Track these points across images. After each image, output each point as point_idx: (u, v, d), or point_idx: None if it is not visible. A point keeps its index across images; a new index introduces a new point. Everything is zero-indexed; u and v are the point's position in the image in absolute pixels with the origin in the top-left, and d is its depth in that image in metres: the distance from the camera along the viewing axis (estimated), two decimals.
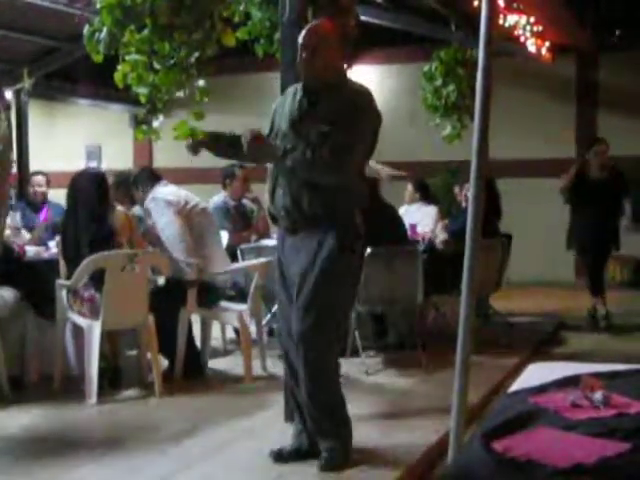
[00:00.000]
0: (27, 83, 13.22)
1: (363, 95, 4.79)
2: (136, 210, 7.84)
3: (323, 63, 4.68)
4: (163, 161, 14.70)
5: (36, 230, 8.12)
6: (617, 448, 2.02)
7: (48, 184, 9.26)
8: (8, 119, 1.88)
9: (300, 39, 4.70)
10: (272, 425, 5.66)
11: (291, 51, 5.30)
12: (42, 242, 7.77)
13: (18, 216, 8.18)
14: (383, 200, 8.05)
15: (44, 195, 9.17)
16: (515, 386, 2.74)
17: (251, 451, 5.10)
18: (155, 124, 6.56)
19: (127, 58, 5.97)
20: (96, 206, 6.71)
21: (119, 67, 6.03)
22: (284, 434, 4.89)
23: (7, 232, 6.95)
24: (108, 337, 6.69)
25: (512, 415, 2.36)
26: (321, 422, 4.76)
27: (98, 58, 6.11)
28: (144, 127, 6.57)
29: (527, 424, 2.28)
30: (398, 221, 8.23)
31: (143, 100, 6.12)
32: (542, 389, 2.62)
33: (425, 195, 10.01)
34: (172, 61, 5.90)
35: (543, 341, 8.82)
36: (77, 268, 6.47)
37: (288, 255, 4.80)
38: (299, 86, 4.82)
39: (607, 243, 10.20)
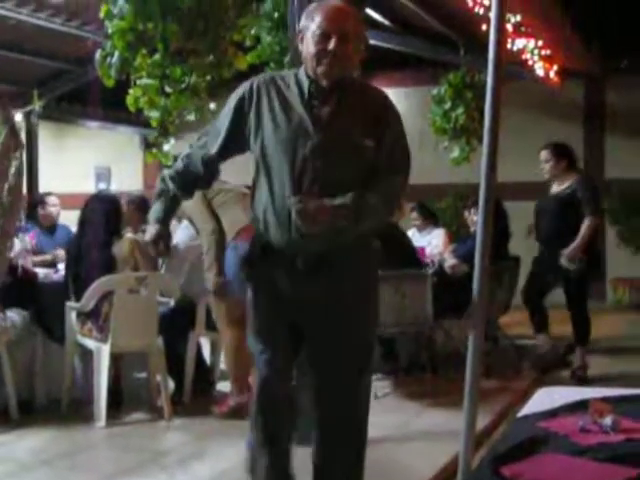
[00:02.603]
0: (37, 105, 13.30)
1: (384, 94, 4.08)
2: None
3: (354, 55, 3.77)
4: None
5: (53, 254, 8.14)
6: (627, 473, 2.02)
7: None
8: (21, 156, 1.91)
9: (324, 23, 3.66)
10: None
11: None
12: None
13: (27, 238, 8.18)
14: (392, 222, 8.08)
15: (57, 215, 9.14)
16: (524, 411, 2.74)
17: None
18: (166, 147, 6.59)
19: (139, 82, 6.00)
20: (103, 232, 6.73)
21: (131, 91, 6.07)
22: (293, 457, 4.89)
23: (16, 249, 6.99)
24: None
25: (521, 440, 2.36)
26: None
27: (110, 82, 6.14)
28: (154, 150, 6.60)
29: (536, 449, 2.28)
30: (408, 243, 8.25)
31: (154, 124, 6.15)
32: (551, 414, 2.62)
33: (431, 218, 10.00)
34: (183, 85, 5.92)
35: (552, 364, 8.78)
36: (82, 291, 6.50)
37: (303, 295, 3.80)
38: (303, 82, 3.76)
39: None
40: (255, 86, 3.79)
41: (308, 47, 3.70)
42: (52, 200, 9.08)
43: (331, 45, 3.63)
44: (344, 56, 3.68)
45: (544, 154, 8.17)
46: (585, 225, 7.84)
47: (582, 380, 7.83)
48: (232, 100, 3.85)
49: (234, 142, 3.85)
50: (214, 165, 4.00)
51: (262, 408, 3.97)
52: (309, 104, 3.72)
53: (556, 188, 8.20)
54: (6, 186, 1.66)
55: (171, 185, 3.95)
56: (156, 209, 3.96)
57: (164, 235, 3.90)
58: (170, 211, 4.01)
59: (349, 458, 4.02)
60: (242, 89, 3.83)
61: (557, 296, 8.82)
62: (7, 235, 1.72)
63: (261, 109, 3.74)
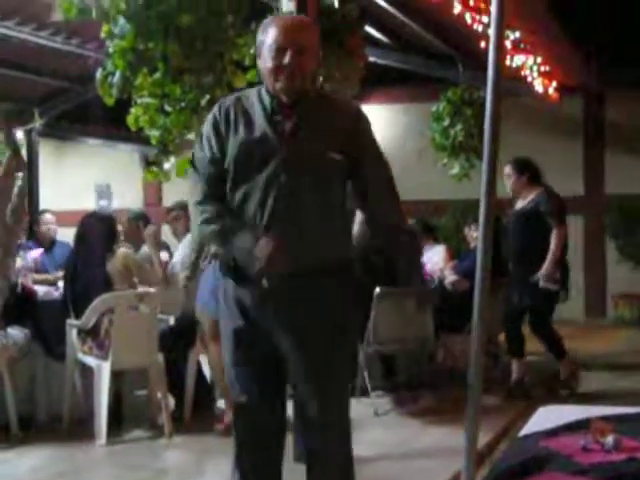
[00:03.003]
0: (38, 123, 13.32)
1: (354, 105, 4.00)
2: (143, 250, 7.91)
3: (312, 68, 3.66)
4: (172, 200, 14.74)
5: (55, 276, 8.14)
6: None
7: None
8: (24, 177, 1.92)
9: (279, 37, 3.57)
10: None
11: None
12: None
13: (29, 256, 8.18)
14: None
15: (54, 234, 9.13)
16: (526, 429, 2.73)
17: None
18: (166, 166, 6.59)
19: (139, 101, 6.01)
20: (98, 250, 6.75)
21: (132, 110, 6.08)
22: (293, 473, 4.85)
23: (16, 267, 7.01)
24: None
25: (523, 459, 2.35)
26: None
27: (110, 101, 6.15)
28: (154, 169, 6.59)
29: (538, 468, 2.27)
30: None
31: (155, 142, 6.15)
32: (553, 433, 2.61)
33: (431, 235, 10.00)
34: (183, 104, 5.93)
35: (552, 381, 8.77)
36: (81, 309, 6.51)
37: (275, 314, 3.63)
38: (265, 98, 3.66)
39: None
40: (224, 108, 3.70)
41: (265, 62, 3.60)
42: (46, 218, 9.08)
43: (287, 59, 3.53)
44: (302, 70, 3.57)
45: (506, 170, 8.03)
46: (553, 238, 7.74)
47: (571, 390, 7.91)
48: (209, 125, 3.72)
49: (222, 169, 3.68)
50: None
51: (241, 447, 3.86)
52: (272, 120, 3.62)
53: (520, 204, 8.10)
54: (9, 206, 1.66)
55: (228, 220, 3.65)
56: (244, 235, 3.57)
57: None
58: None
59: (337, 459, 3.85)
60: (213, 113, 3.74)
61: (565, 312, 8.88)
62: (9, 254, 1.73)
63: (230, 129, 3.65)
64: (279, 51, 3.54)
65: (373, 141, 3.80)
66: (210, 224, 3.62)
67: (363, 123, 3.78)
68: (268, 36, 3.59)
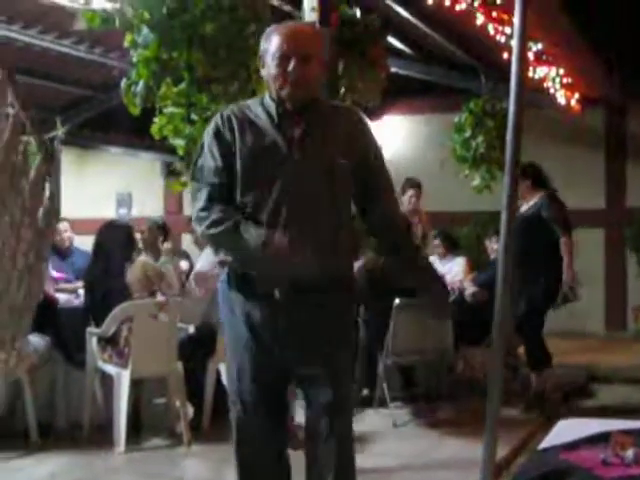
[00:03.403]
0: (60, 132, 13.37)
1: (357, 112, 3.92)
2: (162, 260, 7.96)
3: (317, 75, 3.66)
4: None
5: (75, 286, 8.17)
6: None
7: (72, 229, 9.23)
8: (56, 181, 1.95)
9: (283, 45, 3.56)
10: (298, 472, 5.63)
11: None
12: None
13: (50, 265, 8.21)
14: (419, 247, 8.13)
15: (70, 241, 9.12)
16: (545, 442, 2.71)
17: None
18: None
19: (164, 111, 6.02)
20: (116, 260, 6.78)
21: (155, 120, 6.08)
22: None
23: None
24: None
25: (543, 472, 2.35)
26: None
27: (134, 110, 6.16)
28: (182, 179, 6.58)
29: None
30: (434, 272, 8.22)
31: (180, 152, 6.15)
32: (573, 446, 2.60)
33: (452, 247, 9.98)
34: (209, 113, 5.93)
35: (573, 394, 8.74)
36: (101, 317, 6.53)
37: (285, 327, 3.60)
38: (270, 107, 3.65)
39: None
40: (225, 117, 3.66)
41: (269, 70, 3.59)
42: (63, 226, 9.11)
43: (291, 67, 3.52)
44: (306, 78, 3.56)
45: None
46: (562, 248, 7.66)
47: (539, 406, 7.61)
48: (208, 140, 3.67)
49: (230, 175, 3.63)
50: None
51: (243, 474, 3.86)
52: (280, 127, 3.60)
53: (523, 208, 8.02)
54: (41, 210, 1.69)
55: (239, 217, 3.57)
56: (253, 231, 3.51)
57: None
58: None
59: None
60: (215, 122, 3.69)
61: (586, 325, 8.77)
62: (42, 259, 1.75)
63: (235, 138, 3.60)
64: (283, 59, 3.54)
65: (375, 145, 3.80)
66: (219, 225, 3.56)
67: (366, 129, 3.79)
68: (271, 44, 3.59)
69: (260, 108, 3.66)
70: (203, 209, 3.61)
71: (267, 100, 3.66)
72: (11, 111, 1.86)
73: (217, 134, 3.64)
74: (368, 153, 3.72)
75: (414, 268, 3.89)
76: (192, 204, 3.73)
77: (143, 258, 7.07)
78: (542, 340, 7.92)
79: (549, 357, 7.94)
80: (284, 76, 3.53)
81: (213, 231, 3.59)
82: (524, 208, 8.02)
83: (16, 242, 1.84)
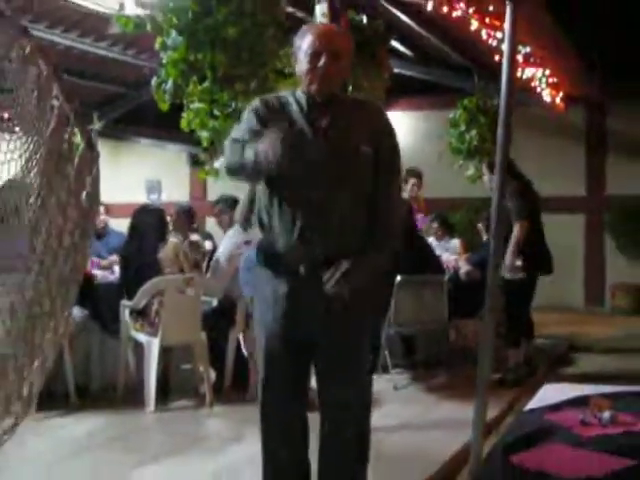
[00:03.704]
0: (97, 125, 13.39)
1: (378, 106, 3.91)
2: (194, 237, 7.96)
3: (344, 72, 3.65)
4: (215, 194, 14.82)
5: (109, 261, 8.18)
6: (624, 463, 2.00)
7: (107, 213, 9.23)
8: (97, 166, 1.95)
9: (315, 42, 3.53)
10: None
11: None
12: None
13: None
14: (417, 232, 8.15)
15: (104, 223, 9.12)
16: (531, 404, 2.73)
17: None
18: (216, 164, 6.59)
19: (191, 106, 6.02)
20: (149, 240, 6.80)
21: (184, 114, 6.09)
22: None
23: None
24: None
25: (528, 431, 2.35)
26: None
27: (164, 106, 6.16)
28: (206, 167, 6.59)
29: (542, 440, 2.26)
30: (430, 251, 8.23)
31: (205, 143, 6.15)
32: (555, 408, 2.61)
33: (448, 230, 9.97)
34: (230, 109, 5.92)
35: (556, 362, 8.75)
36: (134, 292, 6.55)
37: (303, 300, 3.56)
38: (301, 98, 3.62)
39: None
40: (264, 101, 3.65)
41: (301, 66, 3.56)
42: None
43: (321, 63, 3.49)
44: (334, 73, 3.53)
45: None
46: (513, 232, 7.35)
47: (516, 381, 7.32)
48: (250, 112, 3.65)
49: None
50: None
51: (267, 432, 3.76)
52: (309, 117, 3.55)
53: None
54: (85, 192, 1.71)
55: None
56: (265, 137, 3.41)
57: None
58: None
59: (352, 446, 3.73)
60: (255, 104, 3.67)
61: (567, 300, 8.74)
62: (87, 236, 1.76)
63: (270, 116, 3.57)
64: (314, 55, 3.50)
65: (394, 138, 3.73)
66: (230, 154, 3.56)
67: (386, 121, 3.74)
68: (305, 42, 3.56)
69: (292, 99, 3.62)
70: (232, 140, 3.61)
71: (299, 92, 3.63)
72: (56, 103, 1.85)
73: (255, 111, 3.62)
74: (384, 143, 3.65)
75: (372, 268, 3.74)
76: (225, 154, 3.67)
77: (174, 240, 7.08)
78: (523, 319, 7.75)
79: (525, 331, 7.84)
80: (314, 72, 3.50)
81: (228, 160, 3.59)
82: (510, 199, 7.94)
83: (63, 221, 1.83)
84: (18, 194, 1.96)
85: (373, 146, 3.59)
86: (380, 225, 3.63)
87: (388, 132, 3.71)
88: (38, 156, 1.95)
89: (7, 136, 1.97)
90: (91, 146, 2.00)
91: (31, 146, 1.95)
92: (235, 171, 3.58)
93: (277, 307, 3.59)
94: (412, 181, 9.27)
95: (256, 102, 3.70)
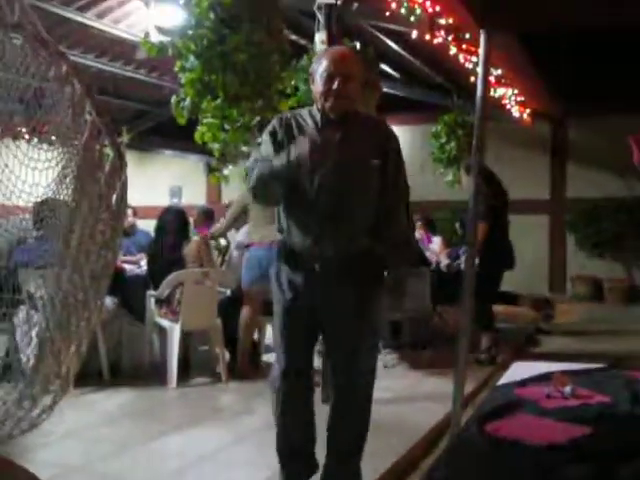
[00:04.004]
0: (125, 138, 13.36)
1: (386, 124, 3.88)
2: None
3: (355, 92, 3.58)
4: (228, 198, 14.82)
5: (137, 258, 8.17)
6: (582, 431, 2.01)
7: (135, 214, 9.20)
8: (125, 173, 1.96)
9: (330, 66, 3.50)
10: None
11: None
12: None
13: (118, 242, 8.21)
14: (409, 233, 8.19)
15: (133, 223, 9.09)
16: (502, 380, 2.73)
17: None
18: (226, 172, 6.60)
19: (204, 121, 6.02)
20: (174, 238, 6.79)
21: (198, 128, 6.08)
22: (323, 411, 4.85)
23: None
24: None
25: (500, 404, 2.36)
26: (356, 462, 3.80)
27: (182, 121, 6.15)
28: (217, 174, 6.60)
29: (512, 411, 2.27)
30: (418, 248, 8.25)
31: (216, 154, 6.15)
32: (523, 383, 2.61)
33: (431, 228, 9.97)
34: (239, 124, 5.92)
35: (524, 343, 8.75)
36: (159, 283, 6.55)
37: (319, 293, 3.57)
38: (316, 115, 3.61)
39: None
40: (283, 120, 3.61)
41: (317, 87, 3.53)
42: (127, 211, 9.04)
43: (335, 85, 3.46)
44: (347, 94, 3.49)
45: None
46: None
47: (491, 361, 7.32)
48: (267, 134, 3.63)
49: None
50: None
51: (282, 398, 3.74)
52: (323, 132, 3.54)
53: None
54: (114, 196, 1.72)
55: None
56: (281, 155, 3.48)
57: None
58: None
59: (357, 416, 3.75)
60: (272, 124, 3.64)
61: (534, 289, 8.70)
62: (116, 235, 1.76)
63: (286, 138, 3.55)
64: (329, 78, 3.47)
65: (399, 152, 3.72)
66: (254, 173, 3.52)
67: (392, 136, 3.73)
68: (321, 65, 3.52)
69: (308, 116, 3.61)
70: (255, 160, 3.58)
71: (314, 110, 3.61)
72: (89, 118, 1.85)
73: (273, 133, 3.60)
74: (390, 156, 3.63)
75: (402, 253, 3.74)
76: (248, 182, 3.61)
77: (197, 238, 7.08)
78: (491, 307, 7.71)
79: (491, 324, 7.82)
80: (329, 92, 3.48)
81: (254, 181, 3.51)
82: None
83: (94, 222, 1.84)
84: (59, 203, 1.97)
85: (381, 159, 3.56)
86: (396, 229, 3.62)
87: (394, 147, 3.69)
88: (73, 164, 1.95)
89: (45, 147, 1.97)
90: (120, 156, 2.00)
91: (67, 155, 1.95)
92: (258, 186, 3.52)
93: (293, 298, 3.58)
94: None
95: (274, 122, 3.66)
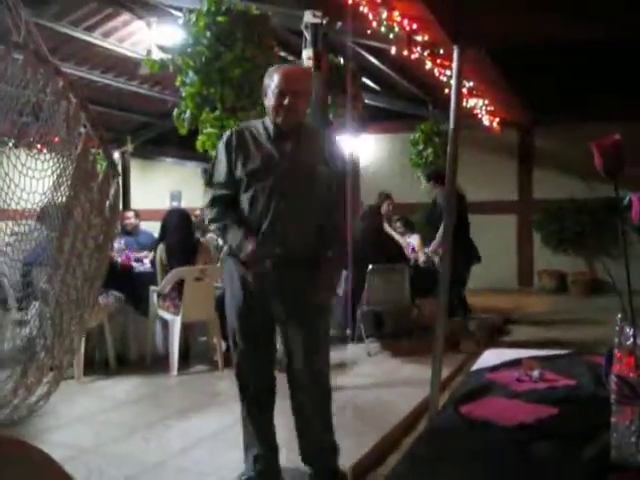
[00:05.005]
0: (130, 147, 13.33)
1: (330, 133, 3.87)
2: (208, 236, 7.96)
3: (304, 107, 3.58)
4: None
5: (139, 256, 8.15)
6: (549, 411, 2.01)
7: (137, 217, 9.16)
8: (117, 182, 1.94)
9: (281, 83, 3.47)
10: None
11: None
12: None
13: (123, 241, 8.19)
14: (385, 230, 8.23)
15: (134, 225, 9.05)
16: (476, 366, 2.72)
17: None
18: None
19: (205, 131, 6.00)
20: (176, 236, 6.75)
21: (199, 137, 6.08)
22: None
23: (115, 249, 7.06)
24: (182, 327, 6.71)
25: (474, 387, 2.36)
26: (329, 437, 3.80)
27: (183, 131, 6.15)
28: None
29: (484, 394, 2.26)
30: (395, 245, 8.26)
31: None
32: (495, 369, 2.61)
33: (410, 228, 9.97)
34: None
35: (495, 332, 8.77)
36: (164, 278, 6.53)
37: (272, 291, 3.52)
38: (269, 127, 3.57)
39: None
40: (234, 133, 3.59)
41: (269, 101, 3.50)
42: (128, 214, 9.04)
43: (286, 101, 3.44)
44: (296, 109, 3.48)
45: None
46: (439, 231, 7.53)
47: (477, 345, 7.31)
48: (221, 148, 3.61)
49: (233, 175, 3.54)
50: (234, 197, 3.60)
51: (241, 382, 3.76)
52: (275, 142, 3.52)
53: (439, 199, 8.02)
54: (107, 203, 1.69)
55: (228, 220, 3.54)
56: (235, 234, 3.50)
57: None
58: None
59: (317, 394, 3.71)
60: (225, 137, 3.62)
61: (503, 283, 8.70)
62: (109, 240, 1.74)
63: (240, 148, 3.53)
64: (280, 94, 3.45)
65: (343, 159, 3.77)
66: (213, 222, 3.59)
67: (334, 143, 3.75)
68: (273, 81, 3.50)
69: (261, 127, 3.59)
70: (208, 206, 3.61)
71: (267, 122, 3.58)
72: (83, 130, 1.84)
73: (227, 145, 3.57)
74: (333, 160, 3.62)
75: (335, 250, 3.61)
76: (204, 199, 3.70)
77: (203, 239, 7.08)
78: (464, 297, 7.97)
79: (468, 309, 7.97)
80: (280, 107, 3.46)
81: (212, 225, 3.65)
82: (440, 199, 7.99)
83: (87, 228, 1.82)
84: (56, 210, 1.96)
85: (328, 166, 3.56)
86: (334, 231, 3.60)
87: (338, 155, 3.70)
88: (67, 173, 1.94)
89: (42, 157, 1.96)
90: (113, 166, 1.99)
91: (62, 165, 1.94)
92: (215, 227, 3.62)
93: (244, 294, 3.55)
94: (387, 202, 9.38)
95: (228, 134, 3.64)
